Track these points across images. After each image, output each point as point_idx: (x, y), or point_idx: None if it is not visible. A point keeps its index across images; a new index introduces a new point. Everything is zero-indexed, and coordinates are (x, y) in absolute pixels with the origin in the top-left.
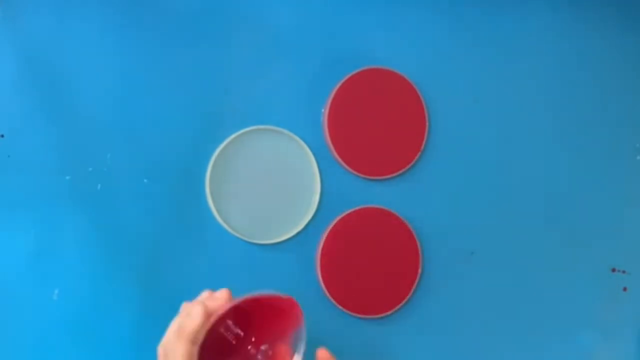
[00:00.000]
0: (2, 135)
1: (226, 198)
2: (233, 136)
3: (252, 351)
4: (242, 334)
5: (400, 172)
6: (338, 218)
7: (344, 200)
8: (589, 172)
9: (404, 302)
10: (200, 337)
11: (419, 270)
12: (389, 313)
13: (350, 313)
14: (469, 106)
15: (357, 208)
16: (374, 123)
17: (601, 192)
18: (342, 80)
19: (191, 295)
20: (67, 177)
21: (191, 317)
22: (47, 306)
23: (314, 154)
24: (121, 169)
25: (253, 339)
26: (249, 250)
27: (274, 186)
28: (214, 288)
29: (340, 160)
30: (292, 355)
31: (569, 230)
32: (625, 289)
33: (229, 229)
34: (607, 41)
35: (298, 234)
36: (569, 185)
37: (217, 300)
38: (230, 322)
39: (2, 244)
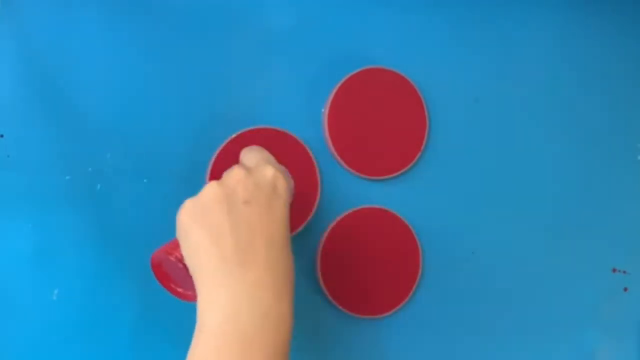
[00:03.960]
0: (2, 135)
1: None
2: (233, 136)
3: None
4: None
5: (400, 172)
6: (338, 218)
7: (344, 200)
8: (589, 172)
9: (404, 302)
10: None
11: (419, 270)
12: (389, 313)
13: (350, 313)
14: (470, 106)
15: (357, 208)
16: (374, 123)
17: (601, 192)
18: (342, 80)
19: None
20: (67, 177)
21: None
22: (46, 306)
23: (314, 154)
24: (121, 169)
25: None
26: None
27: None
28: None
29: (340, 160)
30: None
31: (570, 230)
32: (626, 289)
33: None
34: (607, 41)
35: (298, 234)
36: (570, 185)
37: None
38: None
39: (1, 243)
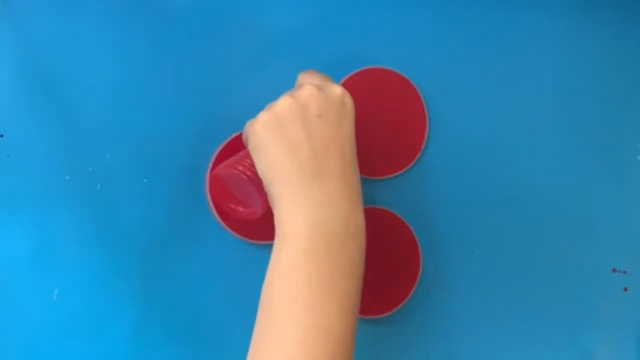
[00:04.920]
0: (2, 135)
1: None
2: (233, 136)
3: None
4: None
5: (400, 172)
6: None
7: None
8: (589, 172)
9: (404, 302)
10: None
11: (419, 270)
12: (389, 313)
13: None
14: (469, 106)
15: None
16: (374, 123)
17: (601, 192)
18: (342, 80)
19: (190, 296)
20: (67, 177)
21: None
22: (46, 306)
23: None
24: (121, 169)
25: None
26: (250, 250)
27: None
28: (213, 287)
29: None
30: None
31: (569, 230)
32: (626, 289)
33: (229, 229)
34: (607, 41)
35: None
36: (570, 185)
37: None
38: None
39: (2, 244)
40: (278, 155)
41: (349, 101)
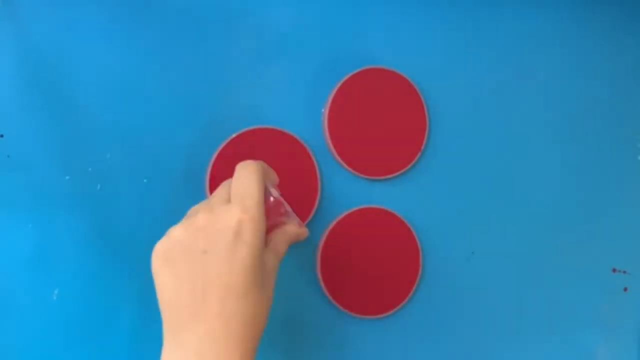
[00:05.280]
0: (2, 135)
1: None
2: (233, 136)
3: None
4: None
5: (400, 172)
6: (338, 218)
7: (344, 200)
8: (589, 172)
9: (404, 302)
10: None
11: (419, 270)
12: (389, 313)
13: (350, 313)
14: (469, 106)
15: (357, 208)
16: (374, 123)
17: (601, 192)
18: (342, 80)
19: None
20: (67, 177)
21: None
22: (46, 306)
23: (314, 154)
24: (121, 169)
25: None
26: None
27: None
28: None
29: (340, 160)
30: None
31: (569, 230)
32: (625, 289)
33: None
34: (608, 42)
35: None
36: (569, 185)
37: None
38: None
39: (1, 243)
40: (164, 290)
41: (248, 228)
